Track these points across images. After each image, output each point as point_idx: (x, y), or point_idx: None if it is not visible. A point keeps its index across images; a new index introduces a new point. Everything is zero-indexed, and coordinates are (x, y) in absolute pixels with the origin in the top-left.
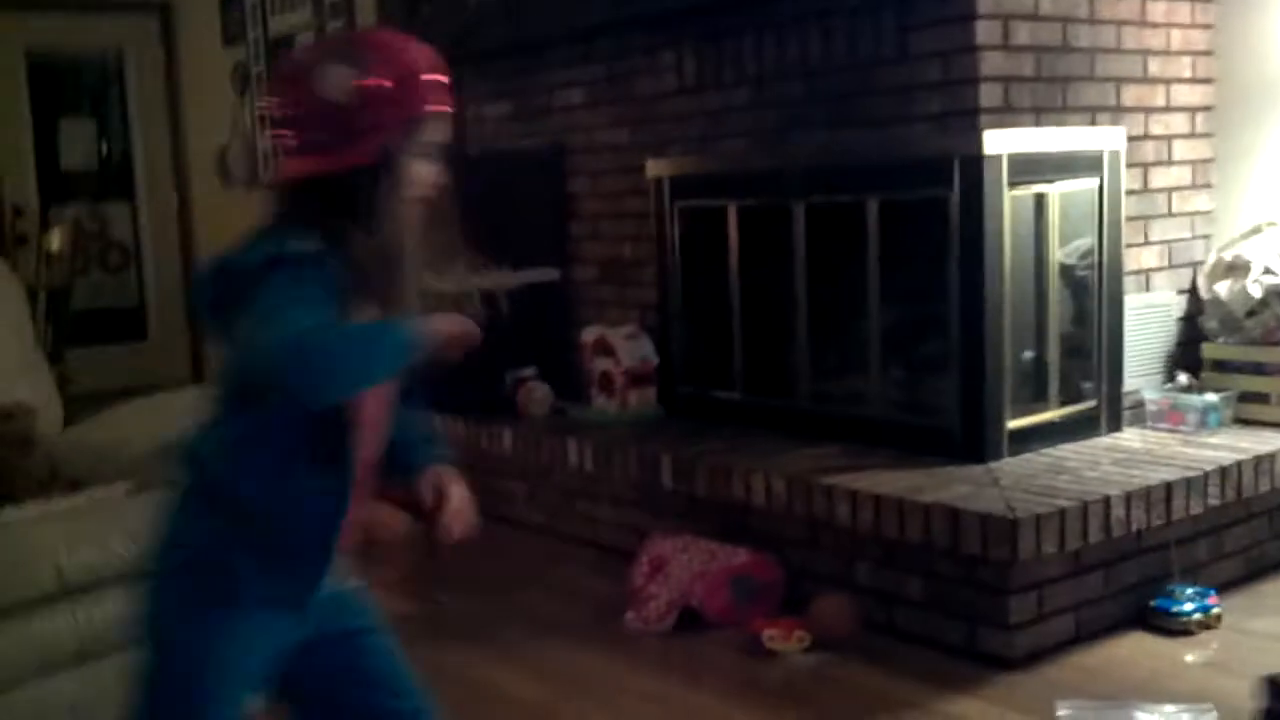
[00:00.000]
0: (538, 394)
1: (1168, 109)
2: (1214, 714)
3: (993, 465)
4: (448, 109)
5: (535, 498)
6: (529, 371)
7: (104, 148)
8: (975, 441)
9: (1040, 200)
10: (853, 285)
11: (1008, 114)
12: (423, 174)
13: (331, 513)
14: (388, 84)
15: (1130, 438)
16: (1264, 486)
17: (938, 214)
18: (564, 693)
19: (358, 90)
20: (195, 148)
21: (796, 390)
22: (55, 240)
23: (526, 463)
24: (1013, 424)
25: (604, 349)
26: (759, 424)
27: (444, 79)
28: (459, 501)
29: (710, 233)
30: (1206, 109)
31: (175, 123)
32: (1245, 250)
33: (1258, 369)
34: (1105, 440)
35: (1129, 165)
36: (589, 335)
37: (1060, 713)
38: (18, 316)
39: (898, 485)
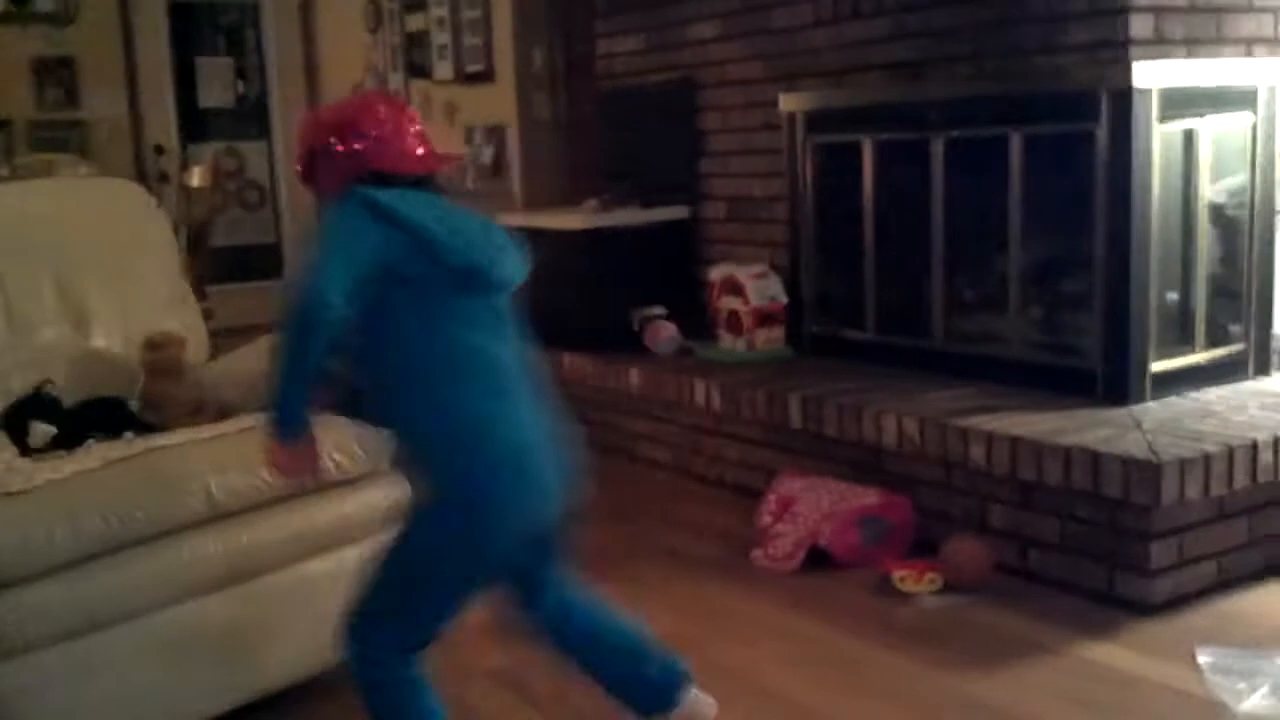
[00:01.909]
0: (665, 333)
1: None
2: None
3: (1135, 408)
4: None
5: (662, 436)
6: (657, 310)
7: (241, 86)
8: (1117, 384)
9: (1190, 136)
10: (992, 222)
11: (1159, 45)
12: None
13: None
14: None
15: (1279, 382)
16: None
17: (1084, 149)
18: (694, 625)
19: None
20: (329, 86)
21: (930, 329)
22: (195, 178)
23: (653, 401)
24: (1157, 366)
25: (732, 288)
26: (891, 364)
27: None
28: None
29: (844, 168)
30: None
31: (310, 61)
32: None
33: None
34: (1252, 384)
35: None
36: (717, 274)
37: (1201, 660)
38: (165, 250)
39: (1036, 427)
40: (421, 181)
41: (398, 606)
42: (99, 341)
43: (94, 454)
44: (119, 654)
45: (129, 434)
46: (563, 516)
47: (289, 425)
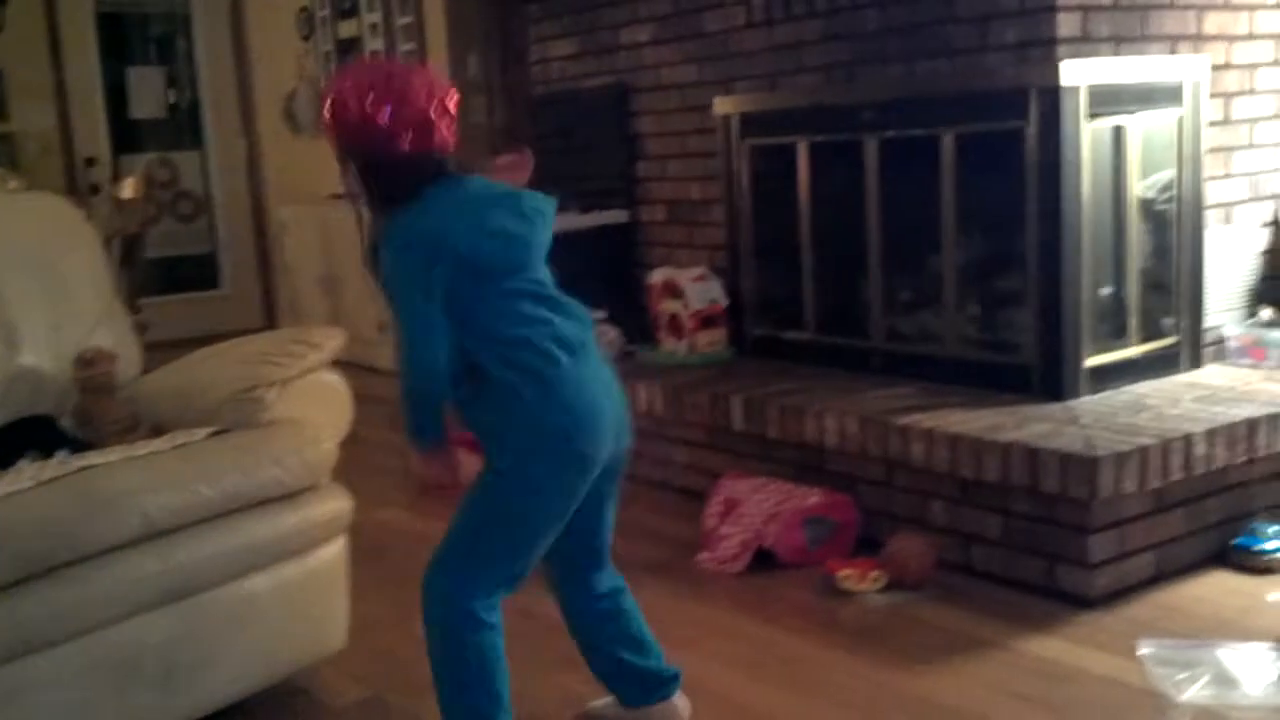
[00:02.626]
0: (607, 337)
1: (1251, 36)
2: None
3: (1071, 403)
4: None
5: None
6: (598, 314)
7: (172, 96)
8: (1053, 379)
9: (1119, 132)
10: (927, 221)
11: (1086, 44)
12: None
13: None
14: None
15: (1212, 374)
16: None
17: (1014, 147)
18: None
19: None
20: (262, 94)
21: (869, 329)
22: (127, 189)
23: None
24: (1091, 361)
25: (672, 291)
26: (831, 364)
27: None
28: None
29: (780, 170)
30: None
31: (242, 69)
32: None
33: None
34: (1186, 377)
35: (1211, 95)
36: (657, 277)
37: (1142, 651)
38: (95, 264)
39: (974, 424)
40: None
41: (496, 552)
42: (29, 360)
43: (26, 474)
44: (58, 676)
45: (62, 453)
46: (616, 474)
47: (428, 441)
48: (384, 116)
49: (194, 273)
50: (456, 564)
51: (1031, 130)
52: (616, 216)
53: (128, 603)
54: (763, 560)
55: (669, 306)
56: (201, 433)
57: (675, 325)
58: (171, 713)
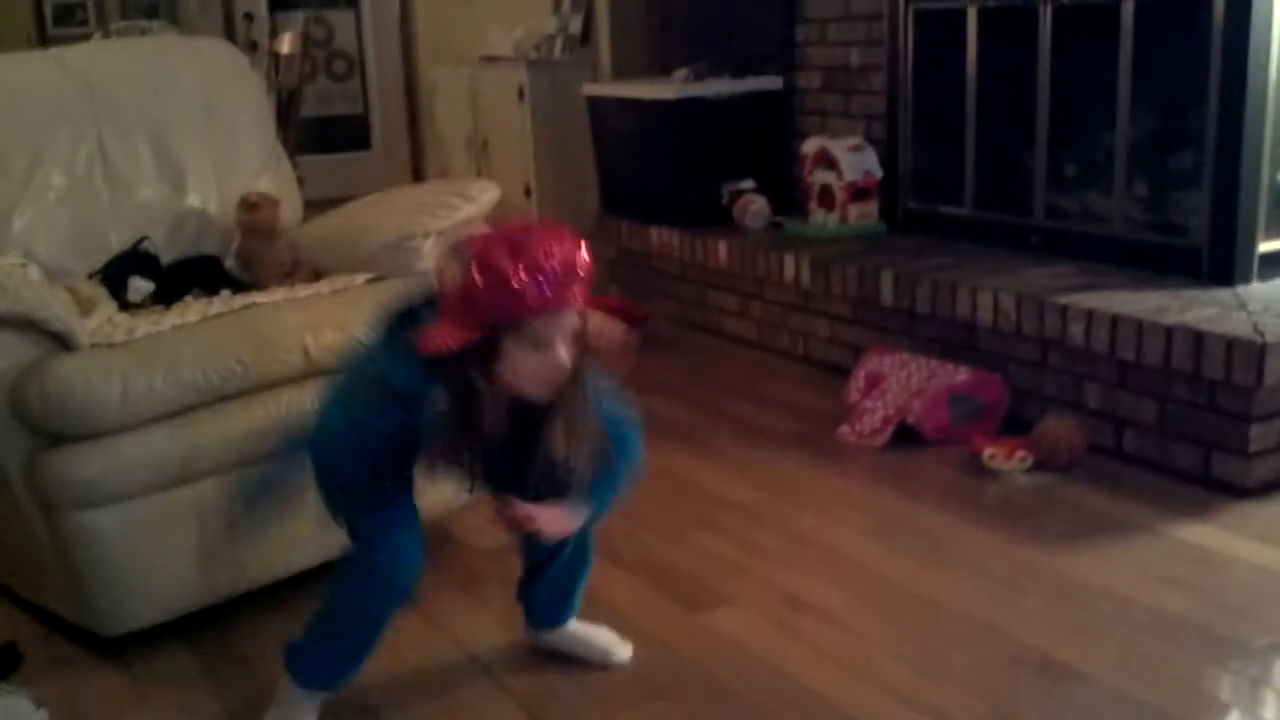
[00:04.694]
0: (755, 207)
1: None
2: None
3: (1240, 289)
4: (551, 307)
5: (749, 312)
6: (747, 184)
7: None
8: (1223, 264)
9: None
10: (1100, 93)
11: None
12: (525, 365)
13: None
14: (479, 286)
15: None
16: None
17: (1199, 18)
18: (776, 497)
19: (461, 287)
20: None
21: (1031, 206)
22: (284, 45)
23: (741, 277)
24: (1264, 247)
25: (826, 161)
26: (989, 241)
27: (550, 280)
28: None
29: (946, 37)
30: None
31: None
32: None
33: None
34: None
35: None
36: (810, 147)
37: None
38: (260, 111)
39: (1137, 306)
40: None
41: None
42: (194, 201)
43: (192, 309)
44: (215, 505)
45: (225, 291)
46: None
47: None
48: None
49: (346, 133)
50: None
51: (1219, 0)
52: (770, 83)
53: (288, 434)
54: (905, 437)
55: (821, 177)
56: (359, 278)
57: (826, 197)
58: (324, 544)
